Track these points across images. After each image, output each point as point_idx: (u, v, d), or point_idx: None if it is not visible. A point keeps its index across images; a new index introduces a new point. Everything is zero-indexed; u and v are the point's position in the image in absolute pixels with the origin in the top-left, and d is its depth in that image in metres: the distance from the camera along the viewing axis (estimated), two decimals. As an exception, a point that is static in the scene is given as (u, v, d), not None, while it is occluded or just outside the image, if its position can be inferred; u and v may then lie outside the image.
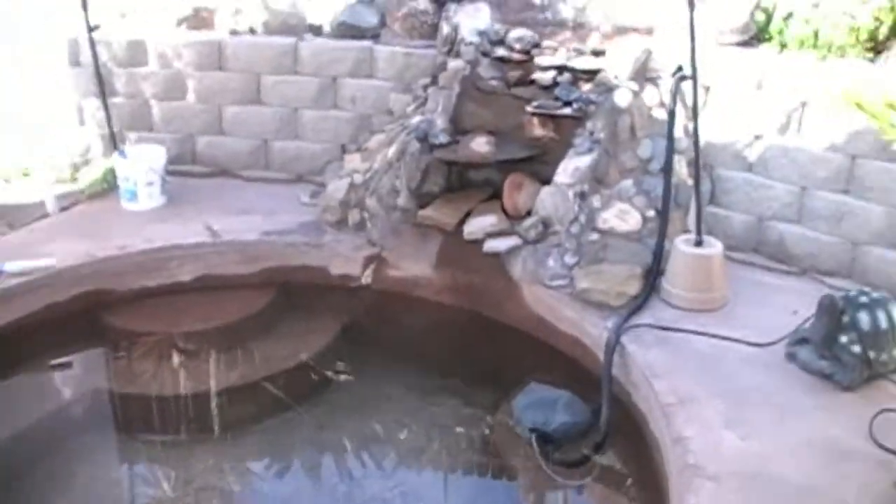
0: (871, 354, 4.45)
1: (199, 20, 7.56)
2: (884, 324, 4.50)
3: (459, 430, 5.02)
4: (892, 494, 3.67)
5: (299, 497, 4.69)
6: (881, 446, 3.99)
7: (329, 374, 5.50)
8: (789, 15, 5.96)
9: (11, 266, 5.69)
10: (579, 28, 6.68)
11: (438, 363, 5.71)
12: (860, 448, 4.01)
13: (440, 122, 6.18)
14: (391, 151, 6.29)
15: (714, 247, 5.39)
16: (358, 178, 6.38)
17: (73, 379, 5.62)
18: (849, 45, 5.65)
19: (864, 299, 4.58)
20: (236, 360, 5.62)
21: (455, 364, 5.66)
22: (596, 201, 5.67)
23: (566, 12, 6.77)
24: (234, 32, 7.41)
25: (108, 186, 7.17)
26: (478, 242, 5.85)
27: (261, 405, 5.29)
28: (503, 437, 4.91)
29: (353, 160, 6.72)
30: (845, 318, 4.52)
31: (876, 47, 5.64)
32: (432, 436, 5.01)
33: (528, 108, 6.08)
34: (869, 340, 4.46)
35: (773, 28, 6.04)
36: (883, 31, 5.63)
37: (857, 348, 4.46)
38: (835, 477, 3.82)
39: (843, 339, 4.49)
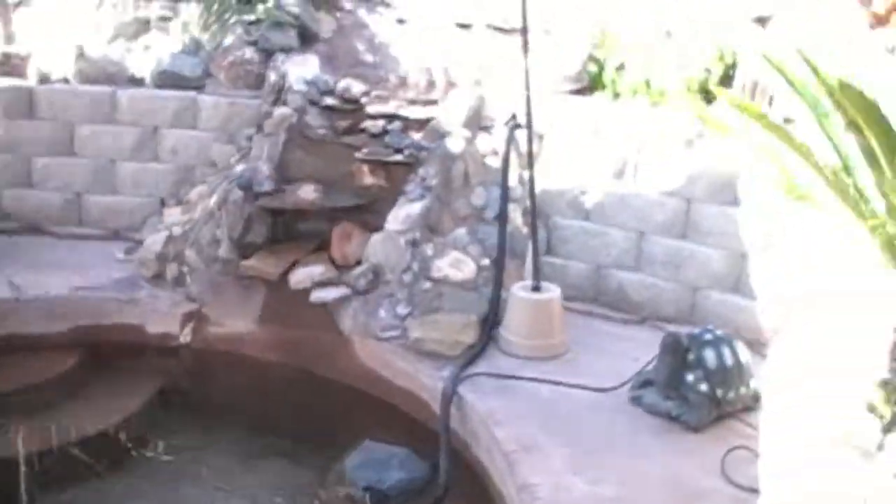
0: (719, 392, 4.32)
1: (9, 67, 7.06)
2: (729, 361, 4.39)
3: (288, 492, 4.65)
4: (749, 532, 3.48)
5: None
6: (735, 484, 3.81)
7: (143, 439, 5.06)
8: (621, 65, 5.93)
9: None
10: (410, 81, 6.48)
11: (264, 426, 5.30)
12: (714, 487, 3.87)
13: (265, 170, 5.85)
14: (212, 200, 5.93)
15: (552, 291, 5.22)
16: (177, 231, 6.01)
17: None
18: (680, 95, 5.62)
19: (708, 336, 4.47)
20: (41, 424, 5.08)
21: (283, 426, 5.29)
22: (429, 249, 5.43)
23: (398, 67, 6.56)
24: (45, 80, 6.93)
25: None
26: (305, 293, 5.51)
27: (67, 473, 4.80)
28: (335, 500, 4.53)
29: (173, 213, 6.33)
30: (690, 356, 4.39)
31: (707, 96, 5.62)
32: (259, 495, 4.63)
33: (358, 155, 5.83)
34: (716, 378, 4.33)
35: (607, 77, 5.99)
36: (713, 80, 5.63)
37: (704, 386, 4.32)
38: None
39: (690, 377, 4.36)
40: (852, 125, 3.03)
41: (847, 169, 3.36)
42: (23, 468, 4.76)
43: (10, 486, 4.66)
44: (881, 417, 3.48)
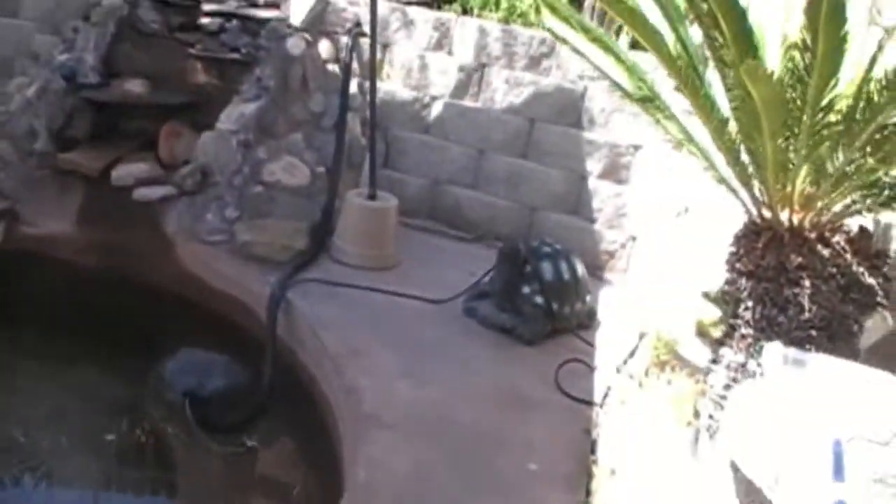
0: (555, 306, 4.27)
1: None
2: (566, 275, 4.34)
3: (101, 399, 4.47)
4: (583, 440, 3.41)
5: None
6: (568, 395, 3.76)
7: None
8: (471, -24, 5.77)
9: None
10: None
11: (79, 332, 4.97)
12: (547, 398, 3.82)
13: (90, 60, 5.51)
14: (31, 91, 5.52)
15: (388, 201, 5.08)
16: (-10, 123, 5.57)
17: None
18: (532, 12, 5.48)
19: (547, 249, 4.41)
20: None
21: (99, 332, 4.96)
22: (262, 152, 5.21)
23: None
24: None
25: None
26: (127, 192, 5.20)
27: None
28: (153, 405, 4.31)
29: (-12, 105, 5.87)
30: (528, 268, 4.31)
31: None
32: (71, 407, 4.41)
33: (192, 51, 5.54)
34: (552, 292, 4.28)
35: (456, -12, 5.82)
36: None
37: (539, 299, 4.26)
38: (521, 423, 3.58)
39: (526, 289, 4.29)
40: (700, 18, 2.94)
41: (694, 67, 3.28)
42: None
43: None
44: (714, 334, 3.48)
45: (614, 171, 5.21)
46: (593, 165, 5.23)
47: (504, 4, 5.60)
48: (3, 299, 5.24)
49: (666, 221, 4.59)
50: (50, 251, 5.31)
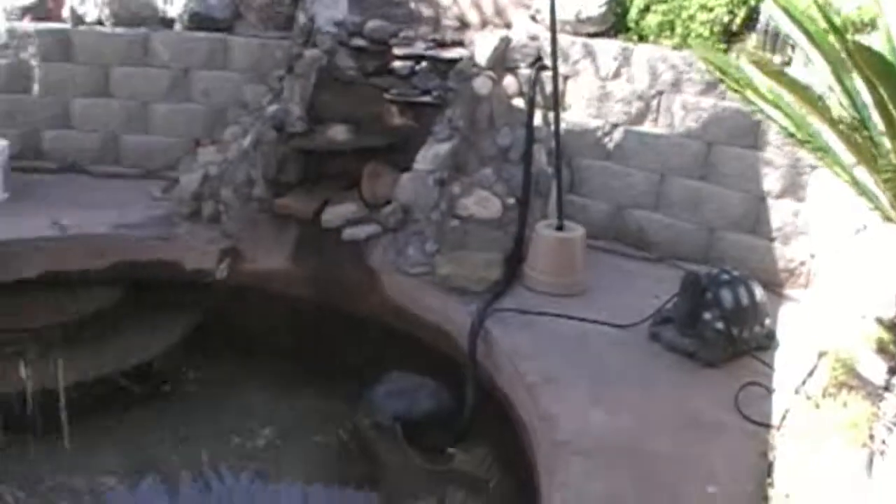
0: (734, 331, 4.49)
1: (44, 10, 7.21)
2: (745, 300, 4.55)
3: (321, 420, 4.93)
4: (761, 463, 3.66)
5: (150, 496, 4.51)
6: (747, 418, 4.00)
7: (179, 371, 5.36)
8: (646, 7, 6.00)
9: None
10: (437, 22, 6.60)
11: (296, 359, 5.56)
12: (727, 421, 4.03)
13: (296, 111, 6.04)
14: (246, 141, 6.11)
15: (575, 231, 5.39)
16: (212, 170, 6.18)
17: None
18: (704, 36, 5.70)
19: (725, 277, 4.63)
20: (83, 356, 5.32)
21: (314, 359, 5.52)
22: (456, 188, 5.60)
23: (425, 9, 6.67)
24: (80, 23, 7.08)
25: (-51, 183, 6.80)
26: (336, 231, 5.71)
27: (112, 403, 5.06)
28: (366, 428, 4.76)
29: (208, 152, 6.50)
30: (708, 295, 4.55)
31: (730, 38, 5.71)
32: (290, 430, 4.90)
33: (387, 96, 5.99)
34: (732, 317, 4.50)
35: (630, 19, 6.06)
36: (736, 23, 5.71)
37: (720, 325, 4.49)
38: (703, 448, 3.82)
39: (707, 315, 4.52)
40: (866, 80, 3.15)
41: (863, 121, 3.48)
42: (68, 397, 4.99)
43: (52, 415, 4.90)
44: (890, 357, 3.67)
45: (792, 190, 5.35)
46: (771, 185, 5.40)
47: (679, 30, 5.81)
48: (230, 329, 5.85)
49: (845, 238, 4.74)
50: (269, 285, 5.87)
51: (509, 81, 6.03)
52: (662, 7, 5.90)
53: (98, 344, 5.45)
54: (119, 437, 4.80)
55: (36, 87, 7.13)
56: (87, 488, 4.44)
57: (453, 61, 6.08)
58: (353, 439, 4.78)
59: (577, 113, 5.96)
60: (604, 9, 6.07)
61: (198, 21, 7.04)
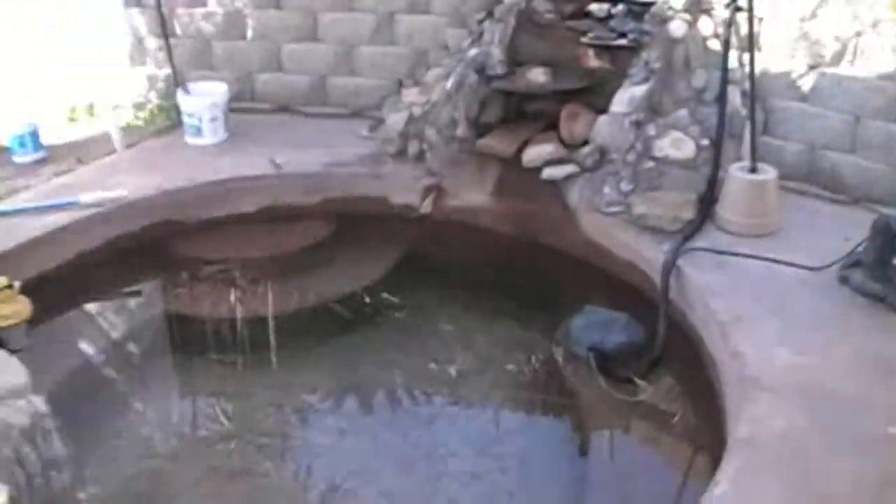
0: (925, 277, 4.51)
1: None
2: (937, 246, 4.56)
3: (517, 349, 5.20)
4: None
5: (357, 418, 4.86)
6: (933, 360, 4.08)
7: (389, 299, 5.69)
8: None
9: (86, 197, 5.91)
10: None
11: (496, 289, 5.87)
12: (913, 365, 4.10)
13: (497, 54, 6.30)
14: (449, 83, 6.41)
15: (768, 173, 5.48)
16: (416, 111, 6.52)
17: (144, 305, 5.86)
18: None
19: (919, 222, 4.64)
20: (299, 285, 5.82)
21: (512, 290, 5.82)
22: (651, 130, 5.75)
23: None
24: (290, -29, 7.52)
25: (172, 123, 7.40)
26: (536, 170, 5.96)
27: (322, 329, 5.49)
28: (561, 356, 5.06)
29: (411, 94, 6.84)
30: (898, 240, 4.58)
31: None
32: (491, 355, 5.19)
33: (584, 40, 6.17)
34: (923, 263, 4.52)
35: (828, -42, 6.04)
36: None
37: (909, 270, 4.52)
38: (888, 392, 3.91)
39: (896, 261, 4.56)
40: None
41: None
42: (284, 324, 5.48)
43: (262, 342, 5.39)
44: None
45: None
46: (972, 126, 5.37)
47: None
48: (433, 262, 6.22)
49: None
50: (470, 220, 6.22)
51: (704, 23, 6.09)
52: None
53: (310, 275, 5.92)
54: (325, 361, 5.19)
55: (249, 34, 7.63)
56: (293, 405, 4.85)
57: (649, 4, 6.18)
58: (547, 368, 5.05)
59: (772, 54, 5.99)
60: (800, -52, 6.07)
61: (401, -33, 7.36)
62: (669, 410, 4.65)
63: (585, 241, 5.75)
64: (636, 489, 4.22)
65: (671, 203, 5.48)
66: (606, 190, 5.71)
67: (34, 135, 6.93)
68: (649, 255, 5.32)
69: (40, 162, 6.86)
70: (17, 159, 6.86)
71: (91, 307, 5.74)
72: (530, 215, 6.01)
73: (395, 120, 6.58)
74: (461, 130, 6.25)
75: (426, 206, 6.31)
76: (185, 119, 7.08)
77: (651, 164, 5.69)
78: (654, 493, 4.18)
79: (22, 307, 5.09)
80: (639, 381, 4.76)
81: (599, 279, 5.63)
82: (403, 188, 6.38)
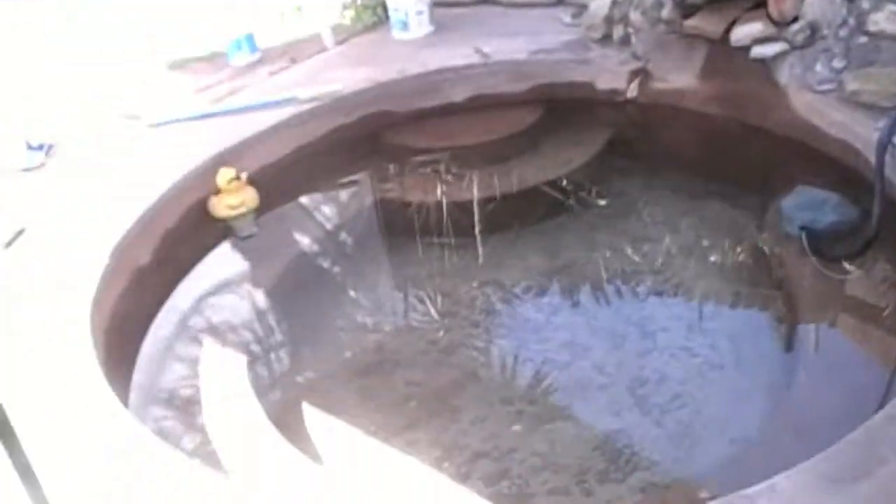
0: None
1: None
2: None
3: (727, 227, 5.25)
4: None
5: (566, 296, 5.04)
6: None
7: (595, 184, 5.79)
8: None
9: (303, 93, 6.18)
10: None
11: (704, 170, 5.84)
12: None
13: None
14: (657, -34, 6.33)
15: None
16: (620, -5, 6.49)
17: (359, 193, 6.13)
18: None
19: None
20: (506, 171, 5.95)
21: (721, 170, 5.78)
22: (865, 4, 5.55)
23: None
24: None
25: (378, 20, 7.59)
26: (744, 50, 5.86)
27: (529, 213, 5.70)
28: (772, 235, 5.05)
29: (615, -22, 6.80)
30: None
31: None
32: (701, 233, 5.26)
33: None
34: None
35: None
36: None
37: None
38: None
39: None
40: None
41: None
42: (495, 206, 5.66)
43: (471, 226, 5.58)
44: None
45: None
46: None
47: None
48: (639, 145, 6.25)
49: None
50: (677, 102, 6.18)
51: None
52: None
53: (517, 161, 6.04)
54: (533, 243, 5.38)
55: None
56: (503, 284, 5.09)
57: None
58: (757, 248, 5.06)
59: None
60: None
61: None
62: (878, 304, 4.51)
63: (796, 121, 5.63)
64: (843, 376, 4.16)
65: (887, 78, 5.30)
66: (818, 67, 5.58)
67: (249, 38, 7.26)
68: (863, 132, 5.16)
69: (256, 63, 7.18)
70: (235, 62, 7.21)
71: (310, 197, 6.05)
72: (739, 96, 5.92)
73: (599, 5, 6.57)
74: (667, 12, 6.18)
75: (632, 91, 6.30)
76: (392, 14, 7.28)
77: (865, 39, 5.51)
78: (861, 384, 4.06)
79: (250, 197, 5.45)
80: (849, 266, 4.68)
81: (811, 159, 5.49)
82: (609, 73, 6.39)
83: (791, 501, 2.87)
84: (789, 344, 4.49)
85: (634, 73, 6.31)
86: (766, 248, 5.02)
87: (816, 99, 5.55)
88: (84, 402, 3.56)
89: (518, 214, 5.64)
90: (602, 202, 5.69)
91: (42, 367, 3.78)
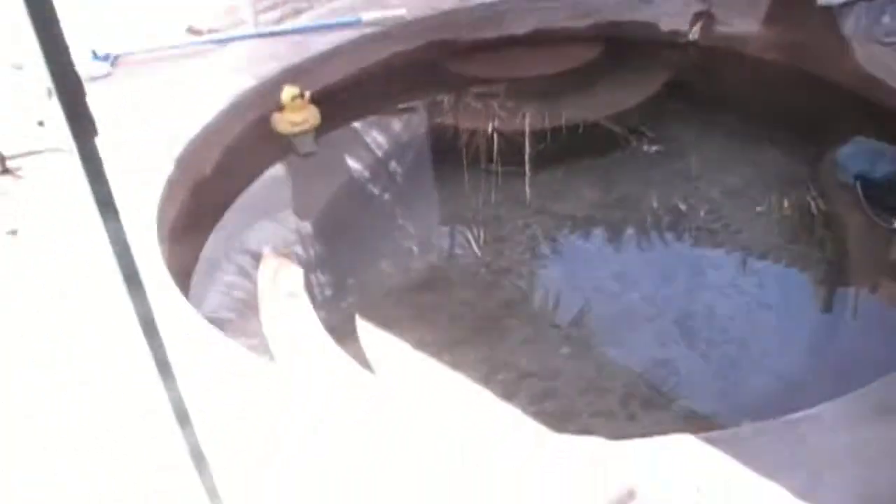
0: None
1: None
2: None
3: (782, 175, 5.27)
4: None
5: (617, 230, 5.10)
6: None
7: (651, 123, 5.83)
8: None
9: (367, 16, 6.23)
10: None
11: (760, 119, 5.83)
12: None
13: None
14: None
15: None
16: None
17: (417, 119, 6.18)
18: None
19: None
20: (562, 105, 5.95)
21: (778, 118, 5.76)
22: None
23: None
24: None
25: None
26: (810, -2, 5.85)
27: (589, 146, 5.73)
28: (826, 183, 5.07)
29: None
30: None
31: None
32: (753, 178, 5.28)
33: None
34: None
35: None
36: None
37: None
38: None
39: None
40: None
41: None
42: (528, 146, 5.69)
43: (516, 159, 5.61)
44: None
45: None
46: None
47: None
48: (698, 87, 6.25)
49: None
50: (739, 47, 6.16)
51: None
52: None
53: (574, 96, 6.05)
54: (585, 177, 5.44)
55: None
56: (556, 214, 5.16)
57: None
58: (812, 197, 5.08)
59: None
60: None
61: None
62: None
63: (859, 72, 5.59)
64: (887, 324, 4.22)
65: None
66: (886, 19, 5.56)
67: (315, -44, 7.27)
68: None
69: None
70: (300, -17, 7.24)
71: (368, 119, 6.13)
72: (802, 44, 5.91)
73: (668, -55, 6.54)
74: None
75: (694, 33, 6.29)
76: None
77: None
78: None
79: (312, 115, 5.53)
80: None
81: (870, 112, 5.45)
82: (673, 14, 6.37)
83: (833, 428, 2.94)
84: (836, 289, 4.55)
85: (698, 16, 6.30)
86: (818, 198, 5.04)
87: (882, 51, 5.54)
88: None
89: (572, 149, 5.67)
90: (657, 143, 5.70)
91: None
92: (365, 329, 4.27)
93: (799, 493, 2.73)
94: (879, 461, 2.85)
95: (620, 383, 3.95)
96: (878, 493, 2.75)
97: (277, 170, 5.52)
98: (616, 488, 2.76)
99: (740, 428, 3.11)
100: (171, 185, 4.64)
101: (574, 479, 2.83)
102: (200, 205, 4.88)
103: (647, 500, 2.74)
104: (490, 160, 5.67)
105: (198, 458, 2.00)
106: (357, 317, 4.36)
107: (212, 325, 3.65)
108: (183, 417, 1.90)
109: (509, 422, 3.67)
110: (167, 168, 4.70)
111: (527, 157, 5.61)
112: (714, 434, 2.96)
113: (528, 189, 5.42)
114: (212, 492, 2.08)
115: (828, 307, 4.48)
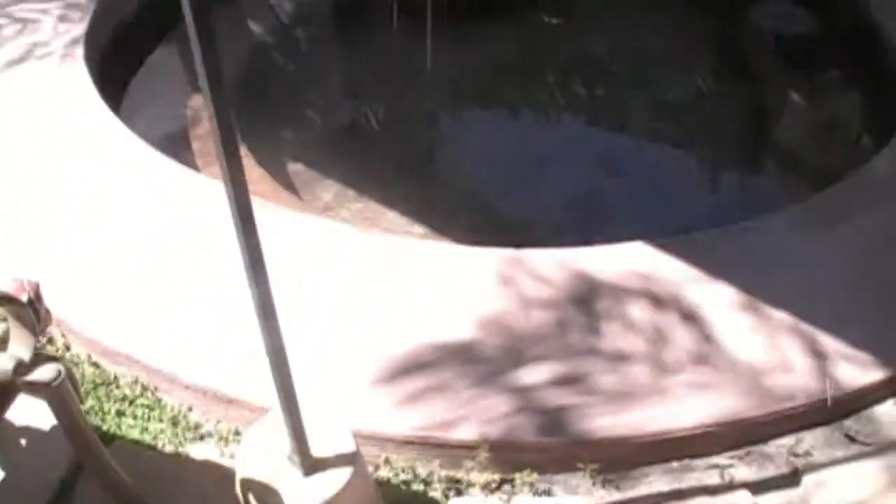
0: None
1: None
2: None
3: (699, 31, 5.31)
4: None
5: (547, 75, 5.06)
6: None
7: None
8: None
9: None
10: None
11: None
12: None
13: None
14: None
15: None
16: None
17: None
18: None
19: None
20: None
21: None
22: None
23: None
24: None
25: None
26: None
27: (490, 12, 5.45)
28: (742, 39, 5.13)
29: None
30: None
31: None
32: (676, 35, 5.29)
33: None
34: None
35: None
36: None
37: None
38: None
39: None
40: None
41: None
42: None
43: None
44: None
45: None
46: None
47: None
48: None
49: None
50: None
51: None
52: None
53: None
54: (497, 41, 5.27)
55: None
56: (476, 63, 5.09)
57: None
58: (728, 48, 5.18)
59: None
60: None
61: None
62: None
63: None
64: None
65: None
66: None
67: None
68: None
69: None
70: None
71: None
72: None
73: None
74: None
75: None
76: None
77: None
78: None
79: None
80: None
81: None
82: None
83: (776, 235, 3.13)
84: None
85: None
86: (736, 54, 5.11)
87: None
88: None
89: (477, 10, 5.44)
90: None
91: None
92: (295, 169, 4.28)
93: (745, 289, 2.88)
94: (819, 262, 3.03)
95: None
96: (817, 289, 2.94)
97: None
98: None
99: (691, 235, 3.22)
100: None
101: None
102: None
103: (604, 302, 2.86)
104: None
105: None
106: (287, 158, 4.36)
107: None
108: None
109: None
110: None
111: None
112: (667, 240, 3.07)
113: (445, 42, 5.22)
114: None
115: (746, 143, 4.70)
